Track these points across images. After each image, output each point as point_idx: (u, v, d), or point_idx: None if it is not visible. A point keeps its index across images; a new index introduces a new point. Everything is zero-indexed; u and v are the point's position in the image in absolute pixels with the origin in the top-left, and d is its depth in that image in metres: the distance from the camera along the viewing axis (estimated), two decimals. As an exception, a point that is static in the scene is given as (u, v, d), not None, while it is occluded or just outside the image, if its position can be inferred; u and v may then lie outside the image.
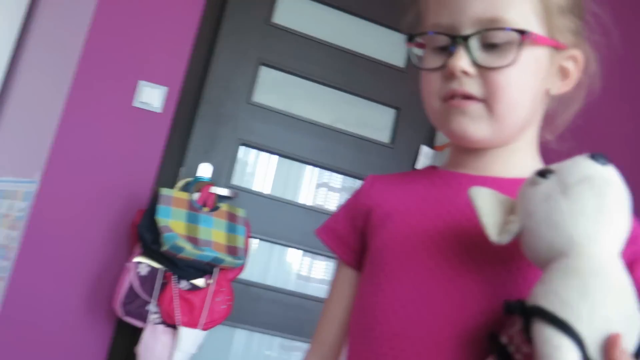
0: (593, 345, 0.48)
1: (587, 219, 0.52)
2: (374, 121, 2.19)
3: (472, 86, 0.65)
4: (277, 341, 2.07)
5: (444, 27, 0.67)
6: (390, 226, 0.71)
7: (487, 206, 0.59)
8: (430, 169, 0.78)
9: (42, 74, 2.23)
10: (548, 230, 0.53)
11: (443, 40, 0.67)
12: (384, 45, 2.18)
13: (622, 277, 0.51)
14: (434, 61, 0.68)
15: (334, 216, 0.80)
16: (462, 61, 0.65)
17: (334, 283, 0.79)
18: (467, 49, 0.65)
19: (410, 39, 0.72)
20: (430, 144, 2.16)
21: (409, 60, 2.15)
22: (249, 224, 1.86)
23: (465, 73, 0.65)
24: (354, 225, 0.76)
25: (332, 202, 2.16)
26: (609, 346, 0.48)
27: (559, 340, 0.47)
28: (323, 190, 2.17)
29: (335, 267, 0.80)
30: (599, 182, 0.53)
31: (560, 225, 0.53)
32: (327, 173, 2.17)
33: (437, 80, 0.68)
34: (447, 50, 0.67)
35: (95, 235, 1.84)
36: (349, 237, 0.76)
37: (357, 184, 2.18)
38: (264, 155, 2.10)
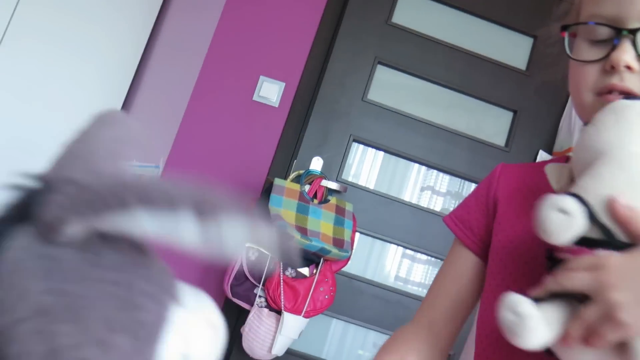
0: (598, 207, 0.54)
1: (607, 130, 0.58)
2: (489, 123, 2.13)
3: (634, 82, 0.62)
4: (370, 339, 2.07)
5: (606, 18, 0.64)
6: (519, 226, 0.70)
7: (553, 171, 0.70)
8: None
9: (171, 68, 2.38)
10: (583, 154, 0.60)
11: (604, 31, 0.64)
12: (504, 46, 2.12)
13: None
14: (590, 53, 0.65)
15: (464, 206, 0.79)
16: (627, 55, 0.62)
17: (451, 260, 0.78)
18: (634, 43, 0.62)
19: (565, 28, 0.69)
20: (549, 150, 2.07)
21: (530, 61, 2.08)
22: (356, 218, 1.88)
23: (628, 68, 0.62)
24: (487, 216, 0.75)
25: (436, 205, 2.13)
26: (610, 203, 0.53)
27: (564, 203, 0.55)
28: (427, 193, 2.14)
29: (453, 246, 0.79)
30: (619, 106, 0.59)
31: (588, 144, 0.59)
32: (432, 176, 2.14)
33: (593, 73, 0.65)
34: (605, 43, 0.64)
35: (210, 219, 1.93)
36: (482, 229, 0.75)
37: (465, 187, 2.14)
38: (371, 151, 2.11)
